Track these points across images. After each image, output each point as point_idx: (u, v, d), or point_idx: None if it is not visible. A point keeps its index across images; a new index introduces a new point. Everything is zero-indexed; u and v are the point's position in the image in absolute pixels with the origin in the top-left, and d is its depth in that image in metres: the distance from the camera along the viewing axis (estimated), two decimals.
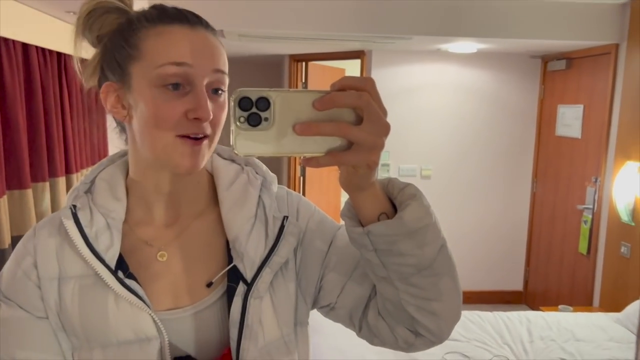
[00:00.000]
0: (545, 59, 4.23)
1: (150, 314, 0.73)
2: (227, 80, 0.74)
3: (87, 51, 0.79)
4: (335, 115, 0.57)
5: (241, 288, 0.75)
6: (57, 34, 2.63)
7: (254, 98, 0.55)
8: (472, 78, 4.30)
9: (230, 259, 0.77)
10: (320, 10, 3.29)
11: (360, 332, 0.82)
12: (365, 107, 0.56)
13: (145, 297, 0.73)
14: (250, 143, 0.56)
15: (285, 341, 0.79)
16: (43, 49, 2.50)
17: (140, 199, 0.79)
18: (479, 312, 2.73)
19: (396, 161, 4.33)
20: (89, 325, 0.72)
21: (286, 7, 3.25)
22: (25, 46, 2.34)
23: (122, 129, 0.82)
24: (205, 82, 0.70)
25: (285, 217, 0.80)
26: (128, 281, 0.73)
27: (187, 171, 0.71)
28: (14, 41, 2.22)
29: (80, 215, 0.75)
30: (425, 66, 4.25)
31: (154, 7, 0.74)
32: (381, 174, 4.30)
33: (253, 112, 0.55)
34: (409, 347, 0.77)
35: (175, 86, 0.69)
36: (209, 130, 0.71)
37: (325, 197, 5.35)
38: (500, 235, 4.52)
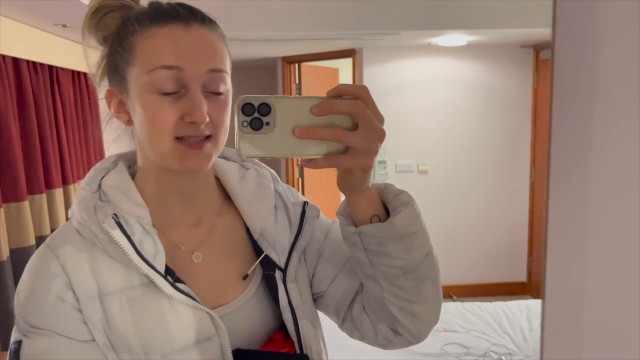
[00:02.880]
0: (537, 48, 4.23)
1: (208, 312, 0.73)
2: (226, 77, 0.72)
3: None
4: (333, 121, 0.61)
5: (278, 275, 0.80)
6: (47, 47, 2.65)
7: (256, 104, 0.60)
8: (464, 71, 4.30)
9: (256, 250, 0.81)
10: (309, 9, 3.31)
11: (343, 324, 0.86)
12: (359, 115, 0.61)
13: (197, 297, 0.73)
14: (253, 146, 0.61)
15: (311, 318, 0.83)
16: (34, 63, 2.53)
17: (158, 201, 0.78)
18: (478, 303, 2.73)
19: (393, 157, 4.33)
20: (148, 337, 0.70)
21: (275, 8, 3.27)
22: (15, 60, 2.37)
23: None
24: (199, 83, 0.69)
25: (306, 202, 0.85)
26: (179, 284, 0.72)
27: (192, 172, 0.72)
28: (4, 56, 2.25)
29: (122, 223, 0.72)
30: (417, 61, 4.26)
31: (150, 6, 0.73)
32: (378, 171, 4.31)
33: (255, 117, 0.60)
34: (387, 344, 0.82)
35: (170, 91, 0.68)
36: (208, 132, 0.70)
37: (325, 198, 5.36)
38: (501, 227, 4.51)
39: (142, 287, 0.71)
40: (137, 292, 0.71)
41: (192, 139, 0.70)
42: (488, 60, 4.29)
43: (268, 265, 0.80)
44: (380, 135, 0.62)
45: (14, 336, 0.69)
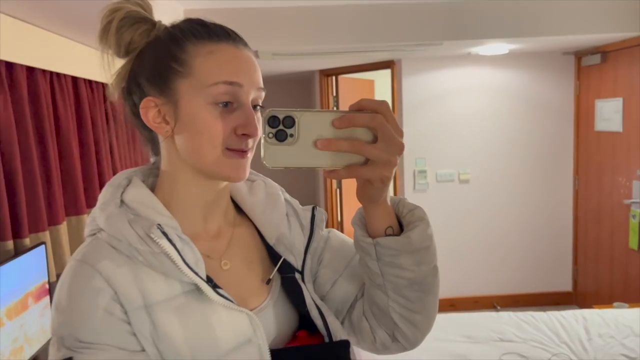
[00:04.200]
0: (579, 54, 4.18)
1: (247, 313, 0.75)
2: (264, 96, 0.79)
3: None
4: (354, 134, 0.65)
5: (298, 276, 0.84)
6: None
7: (281, 117, 0.64)
8: (505, 79, 4.27)
9: (271, 256, 0.85)
10: (351, 23, 3.34)
11: None
12: (378, 128, 0.65)
13: (235, 300, 0.75)
14: (278, 156, 0.65)
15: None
16: (90, 81, 2.62)
17: (183, 213, 0.79)
18: (532, 313, 2.69)
19: (433, 167, 4.32)
20: (197, 343, 0.71)
21: (317, 22, 3.32)
22: (74, 79, 2.46)
23: (149, 141, 0.82)
24: (251, 99, 0.75)
25: (315, 207, 0.90)
26: (218, 289, 0.75)
27: (237, 180, 0.76)
28: (65, 75, 2.34)
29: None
30: (457, 70, 4.25)
31: (197, 23, 0.75)
32: (418, 180, 4.30)
33: (280, 129, 0.64)
34: (383, 350, 0.87)
35: (225, 104, 0.72)
36: (251, 144, 0.75)
37: None
38: (544, 236, 4.44)
39: (184, 295, 0.73)
40: (181, 300, 0.72)
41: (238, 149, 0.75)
42: (529, 68, 4.26)
43: (286, 268, 0.84)
44: (399, 148, 0.66)
45: (58, 354, 0.69)
